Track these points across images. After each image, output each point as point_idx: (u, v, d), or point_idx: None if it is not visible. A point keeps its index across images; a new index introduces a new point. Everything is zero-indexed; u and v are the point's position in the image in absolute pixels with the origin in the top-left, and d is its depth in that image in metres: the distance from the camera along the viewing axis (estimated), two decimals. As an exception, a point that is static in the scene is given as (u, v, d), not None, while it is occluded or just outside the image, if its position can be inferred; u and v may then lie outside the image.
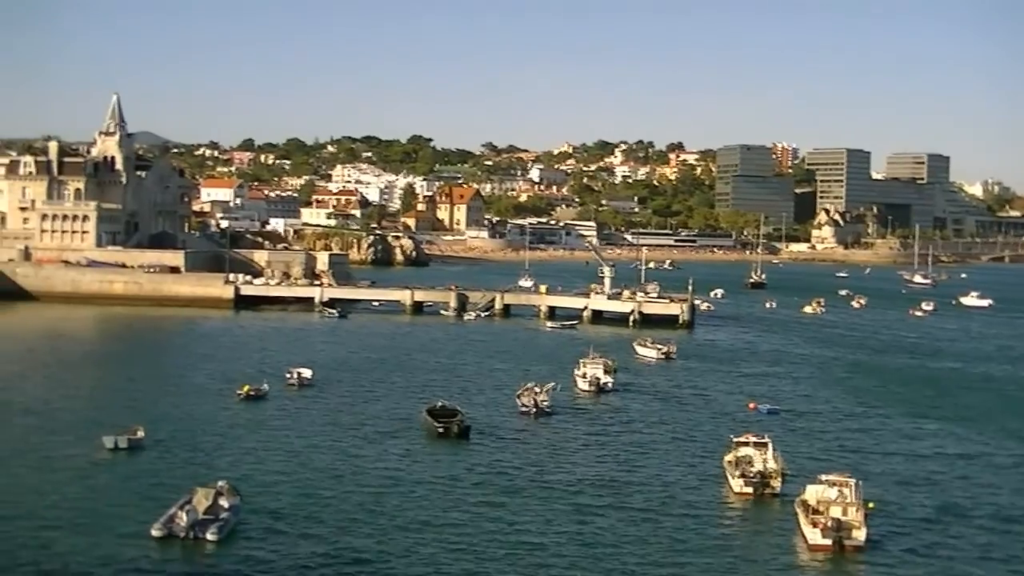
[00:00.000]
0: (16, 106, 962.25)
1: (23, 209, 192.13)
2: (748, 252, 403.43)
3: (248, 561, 48.62)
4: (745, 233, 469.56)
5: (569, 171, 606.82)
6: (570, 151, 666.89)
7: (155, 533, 50.61)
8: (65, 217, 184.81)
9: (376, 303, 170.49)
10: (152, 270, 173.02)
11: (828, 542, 52.57)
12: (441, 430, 75.53)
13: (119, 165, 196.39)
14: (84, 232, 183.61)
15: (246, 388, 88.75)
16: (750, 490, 61.98)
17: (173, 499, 54.57)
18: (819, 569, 51.33)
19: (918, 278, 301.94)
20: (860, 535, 53.02)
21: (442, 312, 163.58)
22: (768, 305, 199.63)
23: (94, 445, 68.76)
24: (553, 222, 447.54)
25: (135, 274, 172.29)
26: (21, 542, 50.08)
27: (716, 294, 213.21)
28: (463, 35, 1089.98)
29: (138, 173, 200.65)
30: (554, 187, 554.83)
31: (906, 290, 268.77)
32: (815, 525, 53.29)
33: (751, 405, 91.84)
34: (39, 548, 49.23)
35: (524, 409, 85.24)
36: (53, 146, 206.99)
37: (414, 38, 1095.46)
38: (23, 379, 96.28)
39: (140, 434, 70.14)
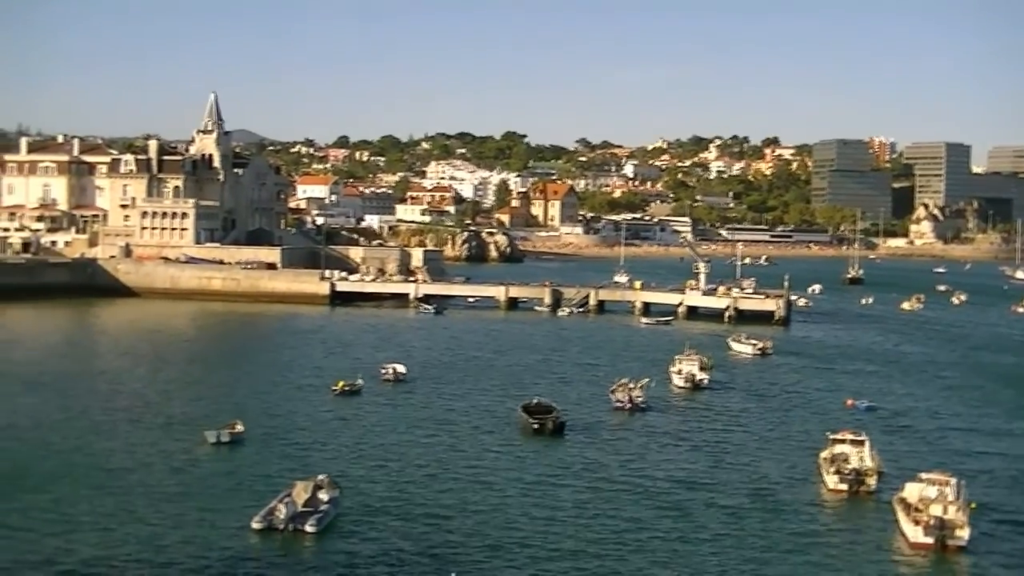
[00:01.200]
0: (118, 106, 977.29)
1: (124, 207, 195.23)
2: (845, 248, 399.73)
3: (345, 553, 49.00)
4: (842, 228, 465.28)
5: (663, 167, 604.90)
6: (664, 147, 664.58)
7: (255, 525, 51.22)
8: (164, 214, 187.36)
9: (471, 299, 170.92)
10: (249, 266, 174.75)
11: (930, 540, 51.82)
12: (536, 426, 75.57)
13: (217, 163, 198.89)
14: (183, 229, 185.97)
15: (341, 384, 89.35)
16: (845, 487, 61.38)
17: (272, 493, 55.22)
18: (921, 567, 50.64)
19: (1020, 274, 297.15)
20: (964, 534, 52.17)
21: (536, 308, 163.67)
22: (865, 301, 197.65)
23: (196, 439, 69.72)
24: (647, 218, 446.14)
25: (232, 270, 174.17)
26: (125, 533, 50.89)
27: (814, 290, 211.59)
28: (558, 31, 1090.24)
29: (235, 171, 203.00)
30: (648, 183, 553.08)
31: (1008, 286, 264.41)
32: (917, 523, 52.56)
33: (848, 402, 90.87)
34: (143, 540, 49.97)
35: (619, 405, 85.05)
36: (153, 145, 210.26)
37: (509, 34, 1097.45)
38: (126, 374, 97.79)
39: (239, 428, 71.03)
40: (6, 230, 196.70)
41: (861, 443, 65.29)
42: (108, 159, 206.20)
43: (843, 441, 65.91)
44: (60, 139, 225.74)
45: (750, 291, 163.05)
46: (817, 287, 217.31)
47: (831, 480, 62.27)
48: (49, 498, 55.95)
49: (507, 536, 52.13)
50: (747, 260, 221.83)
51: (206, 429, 70.62)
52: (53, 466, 62.61)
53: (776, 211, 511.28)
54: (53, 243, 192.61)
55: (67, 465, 62.93)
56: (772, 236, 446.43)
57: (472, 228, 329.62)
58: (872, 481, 61.75)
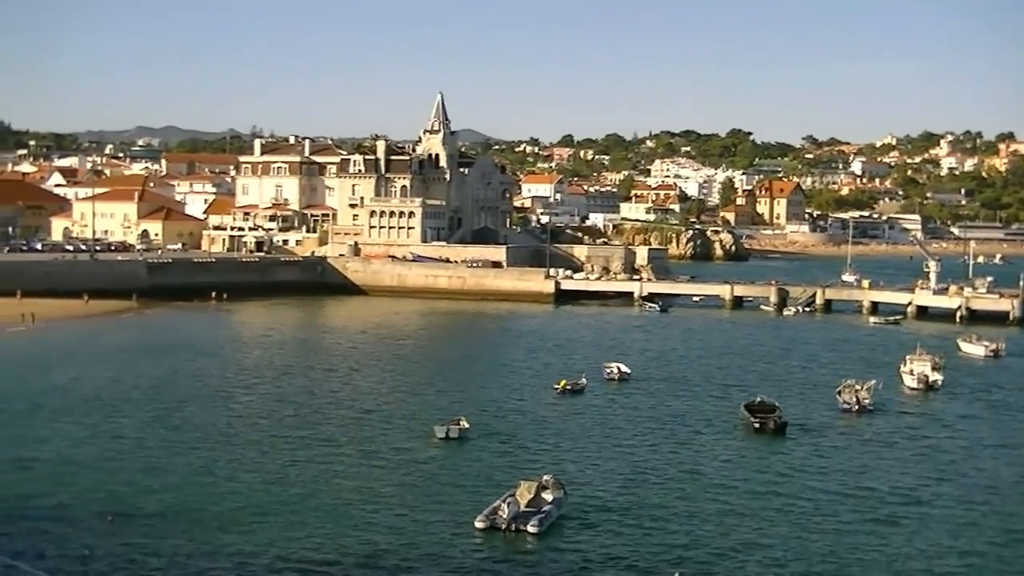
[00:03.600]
0: (347, 108, 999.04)
1: (352, 206, 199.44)
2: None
3: (567, 554, 49.10)
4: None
5: (892, 163, 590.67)
6: (893, 143, 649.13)
7: (478, 524, 51.73)
8: (392, 213, 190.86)
9: (695, 298, 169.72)
10: (475, 265, 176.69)
11: None
12: (757, 425, 74.86)
13: (443, 162, 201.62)
14: (410, 228, 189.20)
15: (563, 383, 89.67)
16: None
17: (494, 491, 55.70)
18: None
19: None
20: None
21: (762, 307, 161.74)
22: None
23: (425, 434, 70.90)
24: (875, 216, 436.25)
25: (458, 269, 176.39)
26: (350, 524, 51.96)
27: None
28: (783, 28, 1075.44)
29: (461, 170, 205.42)
30: (876, 180, 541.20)
31: None
32: None
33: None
34: (367, 530, 50.93)
35: (845, 406, 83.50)
36: (381, 145, 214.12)
37: (733, 34, 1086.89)
38: (356, 371, 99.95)
39: (465, 425, 71.90)
40: (240, 230, 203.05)
41: None
42: (338, 159, 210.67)
43: None
44: (292, 140, 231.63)
45: (983, 291, 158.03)
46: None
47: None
48: (280, 486, 57.56)
49: (729, 539, 51.56)
50: (980, 259, 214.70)
51: (435, 424, 71.80)
52: (285, 454, 64.49)
53: (1011, 208, 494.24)
54: (285, 242, 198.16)
55: (298, 452, 64.76)
56: (1007, 234, 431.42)
57: (697, 226, 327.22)
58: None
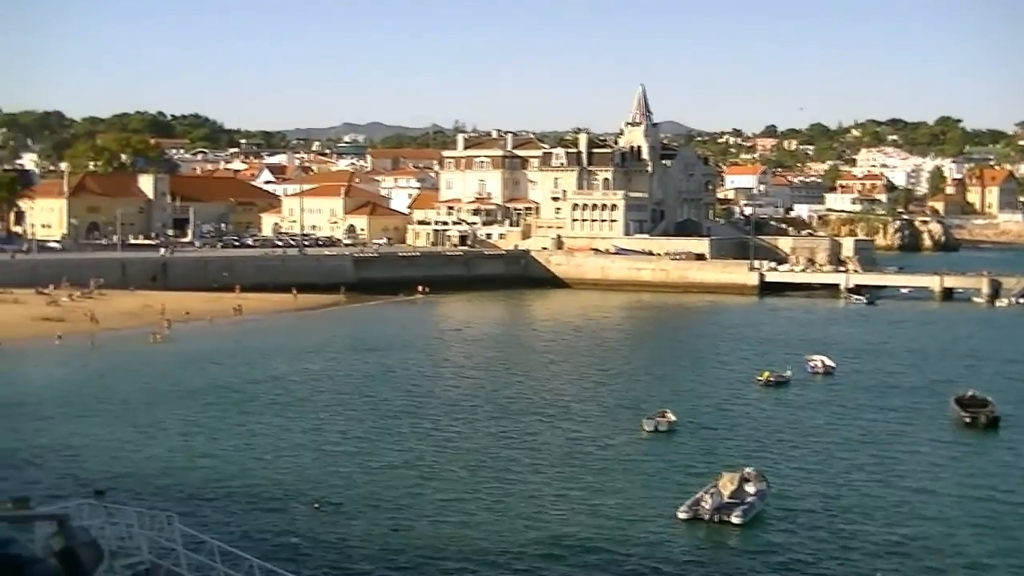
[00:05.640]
0: (548, 101, 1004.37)
1: (555, 199, 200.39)
2: None
3: (770, 547, 48.71)
4: None
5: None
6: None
7: (681, 515, 51.65)
8: (594, 206, 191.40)
9: (903, 289, 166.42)
10: (678, 257, 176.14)
11: None
12: (968, 420, 73.02)
13: (645, 154, 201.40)
14: (612, 220, 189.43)
15: (766, 374, 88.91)
16: None
17: (700, 483, 55.57)
18: None
19: None
20: None
21: (973, 299, 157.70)
22: None
23: (632, 428, 71.05)
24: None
25: (661, 261, 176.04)
26: (557, 514, 52.35)
27: None
28: (993, 10, 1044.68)
29: (664, 162, 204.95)
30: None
31: None
32: None
33: None
34: (571, 516, 51.26)
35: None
36: (583, 138, 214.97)
37: (940, 16, 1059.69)
38: (560, 363, 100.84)
39: (671, 417, 71.83)
40: (444, 224, 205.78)
41: None
42: (540, 153, 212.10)
43: None
44: (494, 135, 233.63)
45: None
46: None
47: None
48: (483, 477, 58.33)
49: (932, 541, 50.21)
50: None
51: (644, 417, 71.94)
52: (489, 447, 65.25)
53: None
54: (488, 236, 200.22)
55: (502, 444, 65.48)
56: None
57: (904, 217, 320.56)
58: None
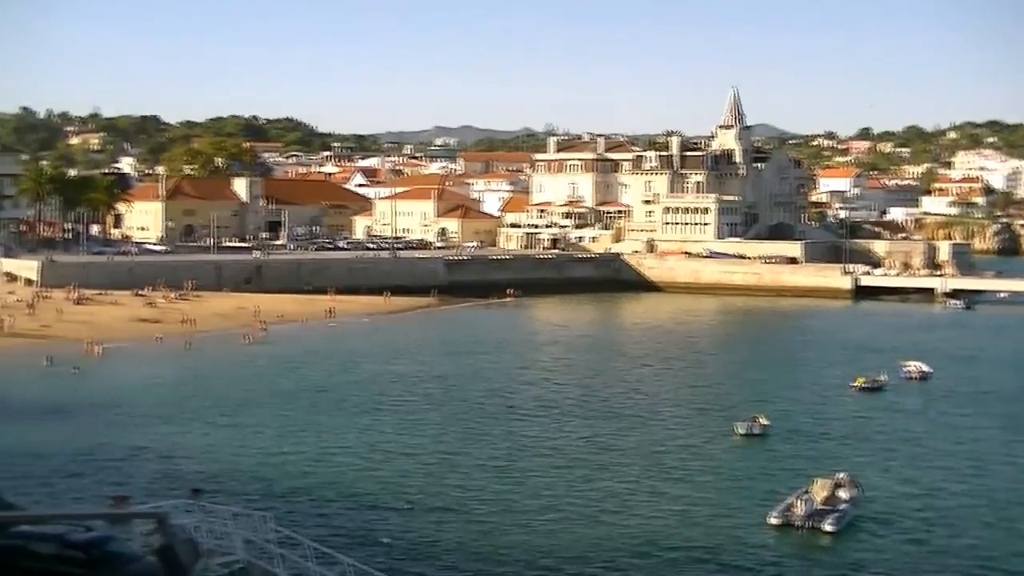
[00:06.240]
0: (639, 104, 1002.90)
1: (647, 202, 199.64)
2: None
3: (862, 554, 48.28)
4: None
5: None
6: None
7: (772, 521, 51.35)
8: (686, 210, 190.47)
9: (1002, 294, 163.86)
10: (771, 261, 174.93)
11: None
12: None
13: (737, 158, 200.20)
14: (704, 224, 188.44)
15: (860, 380, 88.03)
16: None
17: (792, 488, 55.14)
18: None
19: None
20: None
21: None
22: None
23: (724, 432, 70.78)
24: None
25: (754, 265, 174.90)
26: (650, 515, 52.23)
27: None
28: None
29: (756, 165, 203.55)
30: None
31: None
32: None
33: None
34: (659, 519, 51.10)
35: None
36: (675, 141, 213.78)
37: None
38: (653, 366, 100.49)
39: (764, 421, 71.42)
40: (535, 227, 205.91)
41: None
42: (631, 156, 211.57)
43: None
44: (586, 138, 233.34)
45: None
46: None
47: None
48: (572, 479, 58.29)
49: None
50: None
51: (736, 421, 71.62)
52: (581, 450, 65.15)
53: None
54: (580, 239, 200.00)
55: (593, 448, 65.34)
56: None
57: (1003, 220, 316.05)
58: None
